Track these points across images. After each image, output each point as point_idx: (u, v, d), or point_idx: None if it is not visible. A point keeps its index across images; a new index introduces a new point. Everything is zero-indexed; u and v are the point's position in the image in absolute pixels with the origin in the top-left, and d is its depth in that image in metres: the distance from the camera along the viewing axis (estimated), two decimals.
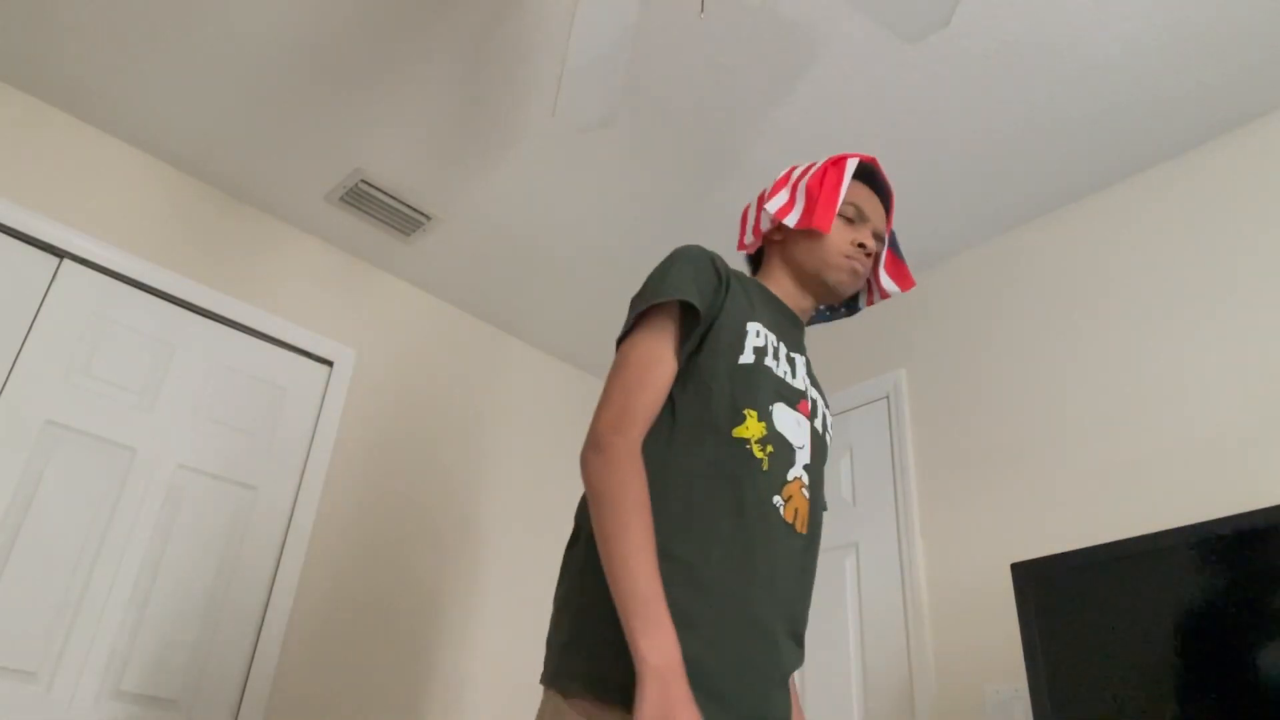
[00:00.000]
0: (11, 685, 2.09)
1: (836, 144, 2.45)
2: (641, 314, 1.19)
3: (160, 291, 2.58)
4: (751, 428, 1.16)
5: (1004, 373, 2.54)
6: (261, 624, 2.49)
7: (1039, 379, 2.45)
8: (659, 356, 1.15)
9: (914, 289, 2.90)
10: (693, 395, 1.16)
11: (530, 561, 3.18)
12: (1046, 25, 2.07)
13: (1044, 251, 2.60)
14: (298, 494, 2.68)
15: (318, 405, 2.83)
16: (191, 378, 2.59)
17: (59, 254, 2.45)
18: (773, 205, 1.35)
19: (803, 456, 1.21)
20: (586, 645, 1.03)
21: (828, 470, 2.88)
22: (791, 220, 1.33)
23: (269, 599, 2.52)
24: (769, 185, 1.44)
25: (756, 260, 1.48)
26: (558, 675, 1.04)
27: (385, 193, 2.77)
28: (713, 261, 1.25)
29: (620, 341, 1.20)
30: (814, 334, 3.20)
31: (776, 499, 1.14)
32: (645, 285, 1.22)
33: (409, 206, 2.82)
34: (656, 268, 1.24)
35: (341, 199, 2.80)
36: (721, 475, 1.12)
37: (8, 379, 2.28)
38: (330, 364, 2.89)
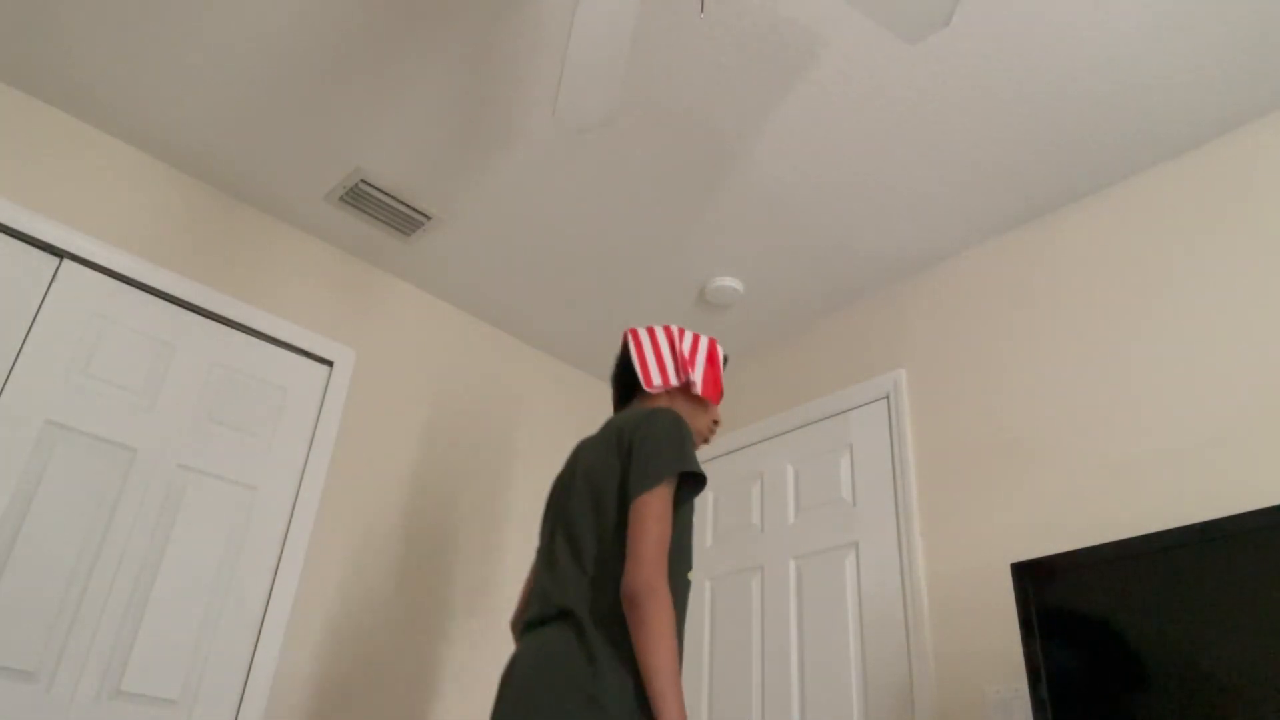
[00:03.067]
0: (11, 685, 2.09)
1: (836, 144, 2.45)
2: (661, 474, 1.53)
3: (160, 291, 2.58)
4: (691, 573, 1.70)
5: (1004, 372, 2.54)
6: (261, 624, 2.49)
7: (1039, 379, 2.45)
8: (669, 516, 1.51)
9: (915, 290, 2.91)
10: (674, 546, 1.56)
11: (528, 559, 3.18)
12: (1046, 25, 2.07)
13: (1043, 252, 2.60)
14: (298, 494, 2.68)
15: (318, 405, 2.83)
16: (191, 378, 2.59)
17: (59, 254, 2.45)
18: (690, 374, 1.82)
19: None
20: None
21: (828, 470, 2.89)
22: (697, 390, 1.82)
23: (269, 599, 2.52)
24: (659, 336, 1.88)
25: (626, 385, 1.88)
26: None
27: (385, 193, 2.77)
28: (690, 437, 1.64)
29: (642, 489, 1.51)
30: (814, 333, 3.20)
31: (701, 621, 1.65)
32: (662, 447, 1.55)
33: (409, 206, 2.82)
34: (666, 432, 1.58)
35: (341, 199, 2.80)
36: (680, 605, 1.54)
37: (8, 379, 2.28)
38: (330, 364, 2.89)
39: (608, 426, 1.71)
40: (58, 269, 2.44)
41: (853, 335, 3.05)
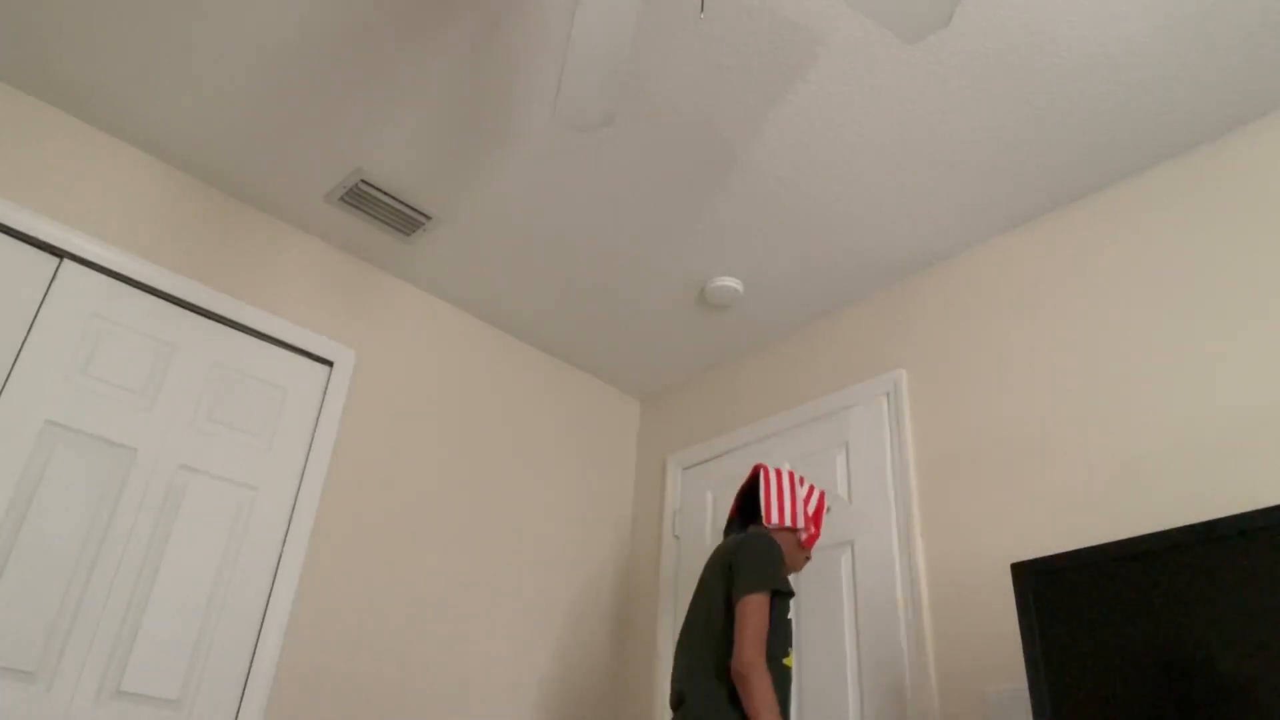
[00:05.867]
0: (11, 685, 2.09)
1: (836, 144, 2.45)
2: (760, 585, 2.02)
3: (160, 291, 2.58)
4: (789, 659, 2.05)
5: (1003, 372, 2.54)
6: (261, 624, 2.49)
7: (1039, 379, 2.45)
8: (766, 614, 1.97)
9: (915, 290, 2.91)
10: (769, 636, 1.99)
11: (528, 559, 3.18)
12: (1046, 25, 2.07)
13: (1044, 252, 2.60)
14: (298, 494, 2.68)
15: (318, 405, 2.83)
16: (191, 378, 2.59)
17: (59, 254, 2.45)
18: (799, 524, 2.26)
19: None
20: None
21: (824, 469, 2.89)
22: (802, 539, 2.27)
23: (269, 599, 2.52)
24: (784, 481, 2.30)
25: (747, 507, 2.39)
26: None
27: (385, 193, 2.77)
28: (782, 559, 2.11)
29: (745, 593, 1.98)
30: (815, 333, 3.20)
31: (792, 700, 2.21)
32: (761, 565, 2.02)
33: (409, 206, 2.82)
34: (765, 553, 2.05)
35: (341, 199, 2.80)
36: (778, 684, 1.96)
37: (8, 379, 2.28)
38: (330, 364, 2.89)
39: (721, 547, 2.18)
40: (58, 269, 2.44)
41: (853, 335, 3.05)
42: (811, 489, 2.31)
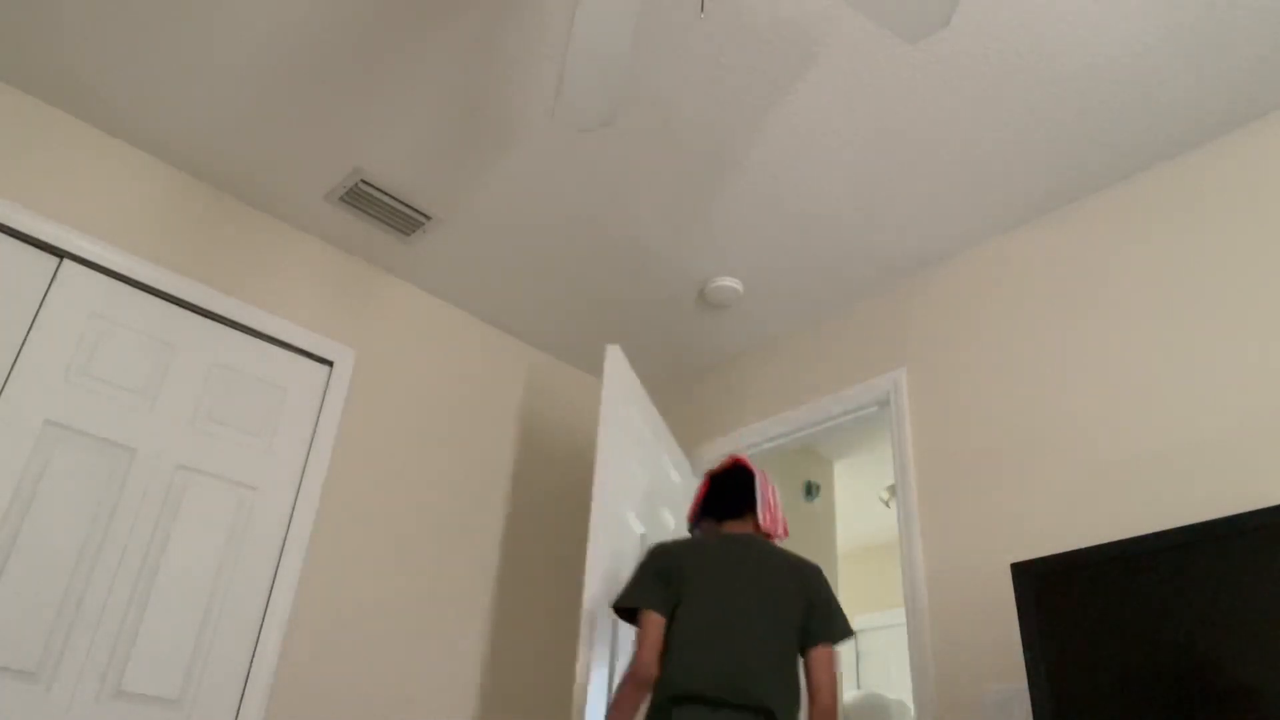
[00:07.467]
0: (11, 685, 2.09)
1: (836, 144, 2.45)
2: None
3: (160, 291, 2.58)
4: None
5: (1004, 373, 2.54)
6: (261, 624, 2.49)
7: (1039, 379, 2.45)
8: None
9: (915, 290, 2.91)
10: None
11: (528, 560, 3.18)
12: (1046, 26, 2.07)
13: (1043, 252, 2.60)
14: (298, 494, 2.68)
15: (318, 405, 2.83)
16: (191, 378, 2.59)
17: (59, 254, 2.45)
18: (783, 534, 2.17)
19: None
20: None
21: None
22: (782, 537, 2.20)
23: (269, 599, 2.52)
24: (770, 488, 2.19)
25: (738, 501, 2.17)
26: None
27: (385, 193, 2.77)
28: None
29: (835, 641, 1.94)
30: (815, 334, 3.20)
31: None
32: (840, 610, 1.97)
33: (409, 206, 2.82)
34: (836, 598, 1.99)
35: (341, 199, 2.80)
36: None
37: (8, 379, 2.28)
38: (330, 364, 2.89)
39: (783, 561, 1.99)
40: (58, 269, 2.44)
41: (853, 335, 3.05)
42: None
